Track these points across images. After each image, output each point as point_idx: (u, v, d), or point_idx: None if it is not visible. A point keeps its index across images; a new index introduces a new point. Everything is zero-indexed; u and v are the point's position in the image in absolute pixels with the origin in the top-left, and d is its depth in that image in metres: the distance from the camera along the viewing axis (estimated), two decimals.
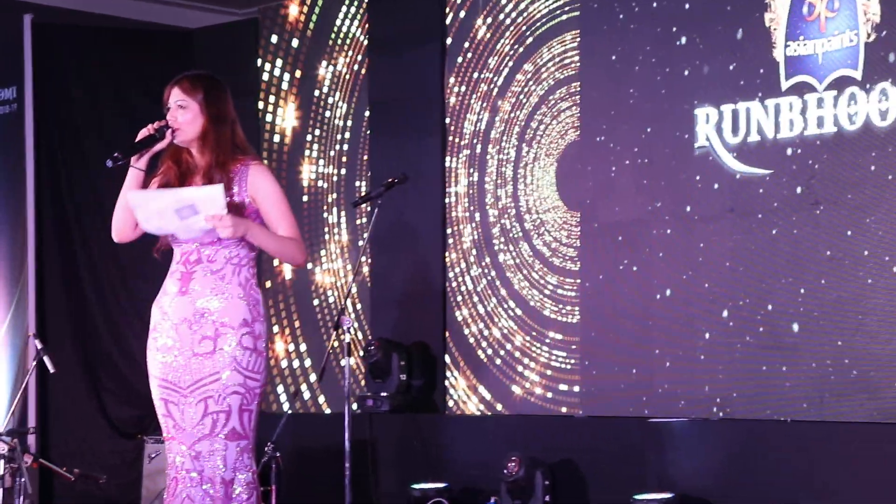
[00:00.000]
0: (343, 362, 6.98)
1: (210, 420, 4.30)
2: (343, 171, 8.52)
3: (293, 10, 8.79)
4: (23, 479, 6.91)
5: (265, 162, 4.59)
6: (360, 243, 8.27)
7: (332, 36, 8.58)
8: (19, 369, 8.64)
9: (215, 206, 4.23)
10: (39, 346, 7.33)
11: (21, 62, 8.74)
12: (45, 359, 7.23)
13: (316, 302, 8.58)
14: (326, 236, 8.56)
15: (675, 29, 6.97)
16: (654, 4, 7.04)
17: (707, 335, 6.80)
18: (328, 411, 8.32)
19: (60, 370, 7.60)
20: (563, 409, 7.33)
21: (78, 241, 9.01)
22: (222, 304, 4.33)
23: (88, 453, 8.78)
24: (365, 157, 8.40)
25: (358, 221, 8.41)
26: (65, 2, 8.95)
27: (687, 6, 6.92)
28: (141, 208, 4.30)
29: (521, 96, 7.67)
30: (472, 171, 7.89)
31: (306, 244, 4.57)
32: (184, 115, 4.40)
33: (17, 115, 8.79)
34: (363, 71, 8.42)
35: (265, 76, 8.91)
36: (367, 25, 8.39)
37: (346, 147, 8.52)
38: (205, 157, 4.41)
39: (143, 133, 4.40)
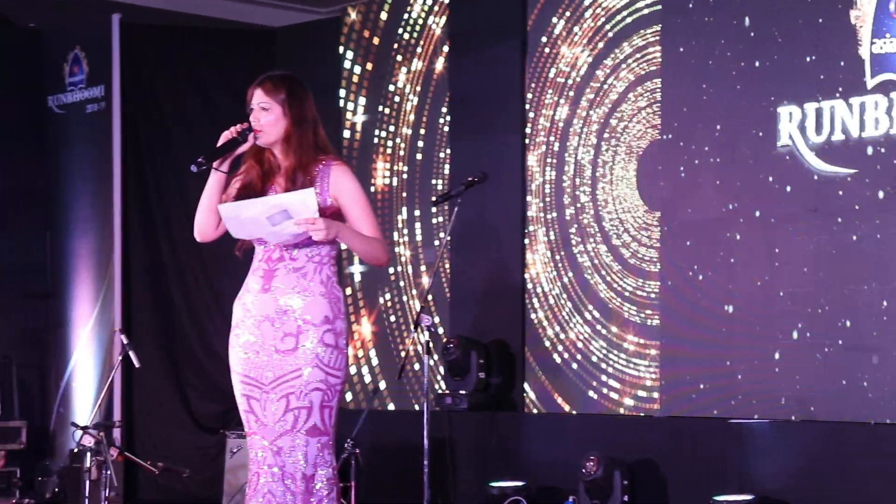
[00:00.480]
0: (423, 360, 7.00)
1: (292, 416, 4.34)
2: (419, 169, 8.55)
3: (374, 8, 8.83)
4: (109, 472, 7.02)
5: (346, 160, 4.61)
6: (436, 242, 8.30)
7: (412, 33, 8.61)
8: (105, 364, 8.78)
9: (308, 210, 4.27)
10: (125, 342, 7.43)
11: (109, 61, 8.88)
12: (131, 354, 7.33)
13: (389, 298, 8.62)
14: (402, 234, 8.60)
15: (757, 25, 6.91)
16: (738, 2, 6.98)
17: (788, 336, 6.73)
18: (407, 408, 8.35)
19: (145, 365, 7.70)
20: (642, 410, 7.30)
21: (163, 237, 9.13)
22: (304, 302, 4.37)
23: (171, 447, 8.89)
24: (441, 155, 8.42)
25: (434, 220, 8.44)
26: (151, 1, 9.07)
27: (770, 2, 6.86)
28: (233, 219, 4.34)
29: (601, 93, 7.65)
30: (551, 169, 7.89)
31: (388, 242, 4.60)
32: (266, 116, 4.43)
33: (105, 113, 8.94)
34: (441, 69, 8.44)
35: (346, 74, 8.96)
36: (447, 23, 8.41)
37: (422, 144, 8.55)
38: (288, 159, 4.44)
39: (225, 136, 4.43)
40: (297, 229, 4.29)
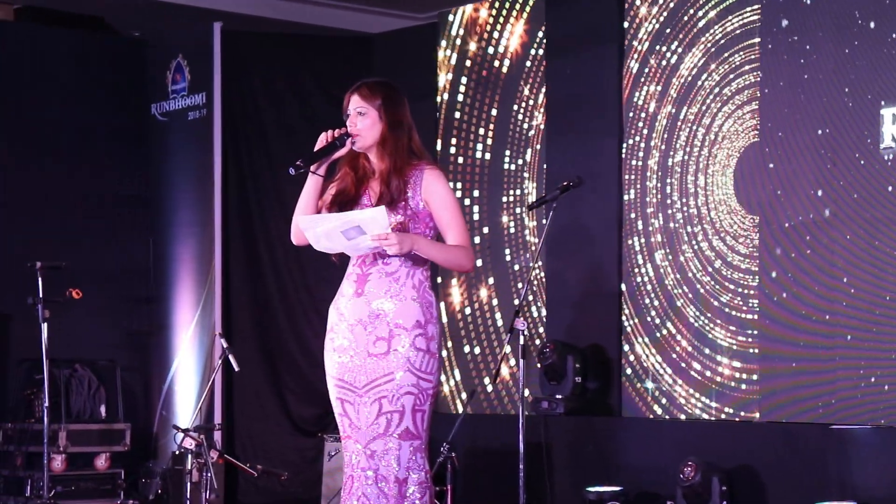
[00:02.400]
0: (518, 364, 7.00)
1: (384, 420, 4.37)
2: (516, 172, 8.54)
3: (471, 14, 8.85)
4: (209, 474, 7.10)
5: (440, 165, 4.62)
6: (533, 248, 8.29)
7: (508, 38, 8.62)
8: (206, 367, 8.89)
9: (379, 227, 4.30)
10: (225, 345, 7.52)
11: (210, 69, 9.01)
12: (231, 357, 7.42)
13: (486, 301, 8.63)
14: (503, 237, 8.61)
15: (860, 24, 6.81)
16: (837, 5, 6.89)
17: (891, 341, 6.62)
18: (503, 413, 8.36)
19: (244, 369, 7.79)
20: (741, 415, 7.23)
21: (262, 241, 9.23)
22: (396, 306, 4.40)
23: (270, 450, 8.98)
24: (537, 159, 8.41)
25: (531, 223, 8.43)
26: (251, 9, 9.18)
27: (874, 3, 6.76)
28: (310, 231, 4.40)
29: (699, 96, 7.59)
30: (647, 173, 7.84)
31: (476, 249, 4.59)
32: (363, 121, 4.47)
33: (206, 120, 9.06)
34: (538, 72, 8.43)
35: (442, 80, 8.99)
36: (544, 25, 8.41)
37: (519, 149, 8.54)
38: (382, 163, 4.47)
39: (322, 140, 4.48)
40: (373, 244, 4.32)
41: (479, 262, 8.61)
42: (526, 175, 8.50)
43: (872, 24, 6.77)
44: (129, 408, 9.06)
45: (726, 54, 7.45)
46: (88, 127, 9.32)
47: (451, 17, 8.95)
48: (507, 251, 8.52)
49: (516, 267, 8.50)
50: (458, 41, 8.92)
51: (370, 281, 4.44)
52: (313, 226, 4.37)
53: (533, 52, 8.49)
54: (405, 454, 4.38)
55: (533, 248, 8.35)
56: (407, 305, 4.40)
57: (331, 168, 4.59)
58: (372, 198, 4.46)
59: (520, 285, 8.40)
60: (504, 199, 8.60)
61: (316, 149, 4.50)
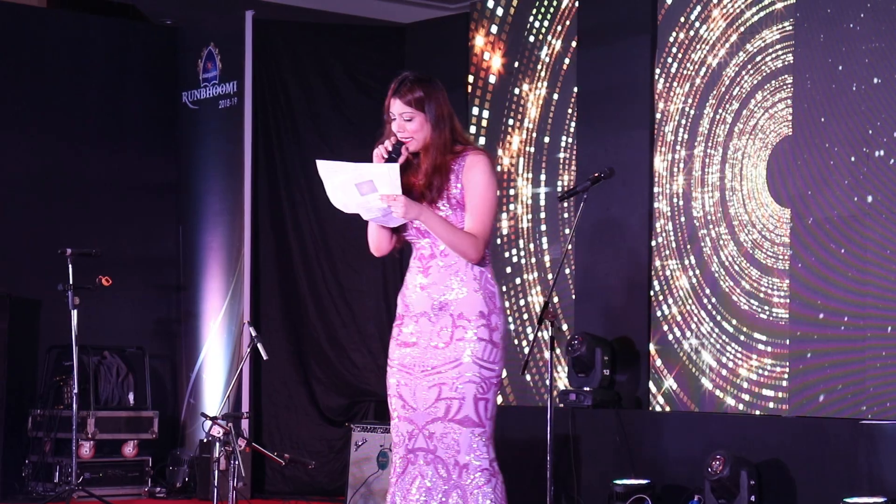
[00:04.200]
0: (546, 356, 6.99)
1: (444, 405, 4.37)
2: (546, 163, 8.52)
3: (503, 5, 8.82)
4: (237, 462, 7.10)
5: (486, 151, 4.54)
6: (562, 240, 8.27)
7: (539, 28, 8.59)
8: (234, 356, 8.91)
9: (391, 185, 4.28)
10: (254, 334, 7.52)
11: (242, 57, 9.01)
12: (259, 346, 7.42)
13: (514, 294, 8.61)
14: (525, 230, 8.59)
15: (894, 17, 6.75)
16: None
17: None
18: (531, 404, 8.34)
19: (272, 358, 7.80)
20: (770, 409, 7.19)
21: (292, 231, 9.23)
22: (458, 297, 4.40)
23: (298, 439, 9.00)
24: (567, 150, 8.38)
25: (564, 215, 8.41)
26: None
27: None
28: (328, 179, 4.36)
29: (732, 88, 7.55)
30: (680, 165, 7.80)
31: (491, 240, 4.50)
32: (411, 125, 4.43)
33: (237, 108, 9.08)
34: (567, 63, 8.40)
35: (474, 70, 8.97)
36: (576, 17, 8.38)
37: (548, 139, 8.52)
38: (426, 160, 4.45)
39: (377, 157, 4.42)
40: (382, 203, 4.29)
41: (509, 255, 8.59)
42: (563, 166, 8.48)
43: None
44: (157, 395, 9.09)
45: (759, 46, 7.40)
46: (120, 114, 9.35)
47: (490, 3, 8.92)
48: (545, 241, 8.49)
49: (547, 258, 8.48)
50: (495, 31, 8.90)
51: (431, 273, 4.44)
52: (332, 174, 4.34)
53: (570, 45, 8.46)
54: (465, 440, 4.37)
55: (562, 239, 8.32)
56: (469, 297, 4.40)
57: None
58: (417, 194, 4.45)
59: (549, 276, 8.38)
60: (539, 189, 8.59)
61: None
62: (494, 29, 8.86)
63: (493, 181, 4.43)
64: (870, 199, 6.81)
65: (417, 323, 4.44)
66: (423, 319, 4.43)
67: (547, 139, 8.55)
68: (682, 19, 7.80)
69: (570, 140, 8.41)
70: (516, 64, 8.73)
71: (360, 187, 4.30)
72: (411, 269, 4.50)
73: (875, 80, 6.83)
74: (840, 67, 6.99)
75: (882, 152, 6.79)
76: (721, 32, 7.60)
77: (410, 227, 4.47)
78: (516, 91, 8.73)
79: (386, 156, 4.38)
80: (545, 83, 8.56)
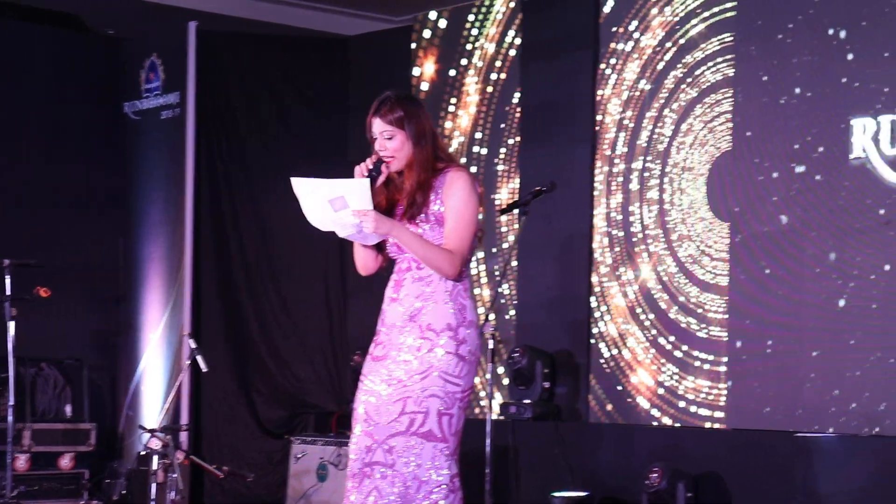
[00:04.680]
0: (486, 368, 7.00)
1: (407, 419, 4.34)
2: (489, 177, 8.55)
3: (446, 18, 8.85)
4: (175, 475, 7.06)
5: (466, 168, 4.51)
6: (503, 253, 8.29)
7: (483, 42, 8.62)
8: (174, 368, 8.85)
9: (363, 200, 4.29)
10: (193, 346, 7.48)
11: (185, 68, 8.97)
12: (199, 358, 7.38)
13: None
14: None
15: (832, 36, 6.84)
16: (812, 12, 6.92)
17: (857, 350, 6.64)
18: (471, 416, 8.34)
19: (213, 370, 7.75)
20: (708, 422, 7.23)
21: (233, 243, 9.19)
22: (428, 309, 4.40)
23: (237, 452, 8.94)
24: (511, 164, 8.41)
25: (503, 228, 8.43)
26: (227, 9, 9.16)
27: (846, 14, 6.78)
28: (303, 197, 4.37)
29: (672, 104, 7.61)
30: (621, 178, 7.85)
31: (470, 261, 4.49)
32: (392, 144, 4.44)
33: (180, 119, 9.03)
34: (506, 77, 8.44)
35: (416, 83, 8.98)
36: (519, 32, 8.41)
37: (485, 151, 8.54)
38: (409, 179, 4.46)
39: (358, 174, 4.42)
40: (355, 219, 4.30)
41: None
42: (504, 179, 8.50)
43: (840, 38, 6.80)
44: (95, 407, 9.01)
45: (699, 61, 7.46)
46: (62, 124, 9.28)
47: (432, 16, 8.95)
48: (482, 254, 8.51)
49: (483, 273, 8.50)
50: (437, 43, 8.93)
51: (404, 285, 4.44)
52: (306, 192, 4.34)
53: (509, 57, 8.50)
54: (427, 454, 4.34)
55: (504, 252, 8.34)
56: (439, 308, 4.39)
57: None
58: (400, 214, 4.44)
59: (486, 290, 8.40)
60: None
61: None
62: (436, 40, 8.89)
63: (473, 198, 4.42)
64: (809, 215, 6.86)
65: (388, 335, 4.43)
66: (393, 331, 4.43)
67: (484, 151, 8.57)
68: (624, 32, 7.85)
69: (507, 152, 8.43)
70: (452, 73, 8.75)
71: (332, 203, 4.30)
72: (389, 283, 4.50)
73: (810, 98, 6.91)
74: (765, 78, 7.05)
75: (819, 166, 6.86)
76: (662, 46, 7.66)
77: (390, 244, 4.46)
78: (452, 100, 8.75)
79: (366, 173, 4.39)
80: (480, 95, 8.59)
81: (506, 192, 8.44)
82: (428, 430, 4.34)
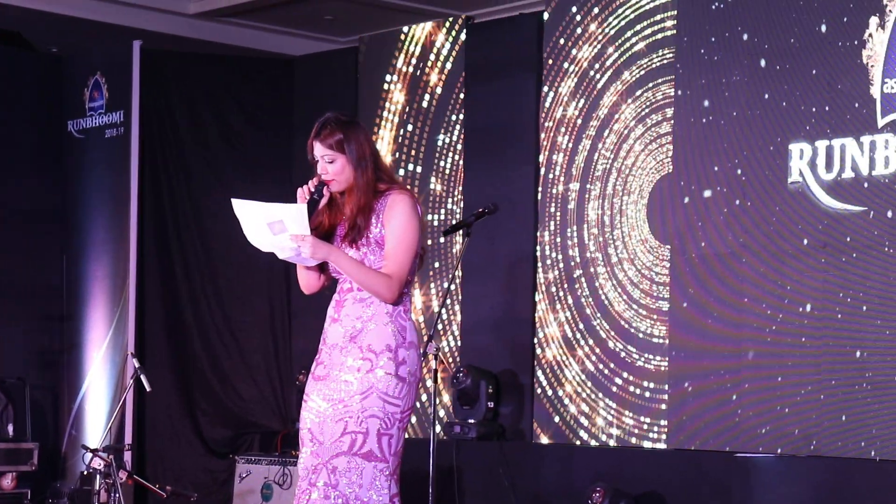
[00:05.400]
0: (429, 387, 7.04)
1: (349, 438, 4.37)
2: (436, 199, 8.60)
3: (392, 39, 8.91)
4: (117, 495, 7.04)
5: (409, 191, 4.51)
6: (442, 273, 8.35)
7: (429, 64, 8.68)
8: (118, 387, 8.82)
9: (300, 225, 4.32)
10: (137, 365, 7.47)
11: (129, 87, 8.96)
12: (142, 377, 7.37)
13: None
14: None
15: (769, 63, 6.97)
16: (746, 37, 7.04)
17: (795, 371, 6.75)
18: (414, 436, 8.38)
19: (157, 389, 7.74)
20: (649, 442, 7.32)
21: (178, 262, 9.18)
22: (368, 330, 4.42)
23: (181, 471, 8.92)
24: (459, 186, 8.48)
25: (450, 250, 8.49)
26: (172, 28, 9.16)
27: (782, 40, 6.91)
28: (243, 218, 4.39)
29: (613, 127, 7.70)
30: (564, 200, 7.93)
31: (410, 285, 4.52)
32: (333, 167, 4.46)
33: (124, 138, 9.01)
34: (458, 99, 8.50)
35: (362, 104, 9.02)
36: (464, 54, 8.48)
37: (439, 174, 8.60)
38: (349, 203, 4.49)
39: (300, 196, 4.44)
40: (292, 244, 4.34)
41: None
42: (450, 199, 8.56)
43: (777, 65, 6.92)
44: (37, 427, 8.95)
45: (642, 86, 7.57)
46: (3, 142, 9.22)
47: (376, 37, 9.01)
48: (430, 273, 8.56)
49: (428, 293, 8.55)
50: (389, 63, 8.98)
51: (345, 306, 4.46)
52: (245, 214, 4.37)
53: (454, 78, 8.56)
54: (368, 475, 4.37)
55: (448, 272, 8.40)
56: (379, 330, 4.42)
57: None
58: (342, 236, 4.47)
59: (436, 308, 8.44)
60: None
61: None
62: (378, 61, 8.94)
63: (413, 221, 4.43)
64: (747, 238, 6.98)
65: (330, 355, 4.46)
66: (334, 351, 4.45)
67: (419, 169, 8.62)
68: (567, 55, 7.94)
69: (451, 173, 8.49)
70: (394, 93, 8.81)
71: (271, 227, 4.33)
72: (331, 303, 4.53)
73: (749, 123, 7.03)
74: (718, 108, 7.17)
75: (758, 190, 6.98)
76: (605, 70, 7.75)
77: (331, 264, 4.50)
78: (391, 119, 8.80)
79: (307, 196, 4.42)
80: (431, 119, 8.65)
81: (443, 213, 8.49)
82: (368, 450, 4.37)
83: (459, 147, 8.49)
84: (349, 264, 4.41)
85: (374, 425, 4.37)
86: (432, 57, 8.67)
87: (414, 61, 8.76)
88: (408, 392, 4.42)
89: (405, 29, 8.80)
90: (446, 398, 8.19)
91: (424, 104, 8.70)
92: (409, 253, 4.42)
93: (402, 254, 4.41)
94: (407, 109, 8.79)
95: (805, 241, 6.75)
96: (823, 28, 6.76)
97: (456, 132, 8.52)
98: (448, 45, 8.59)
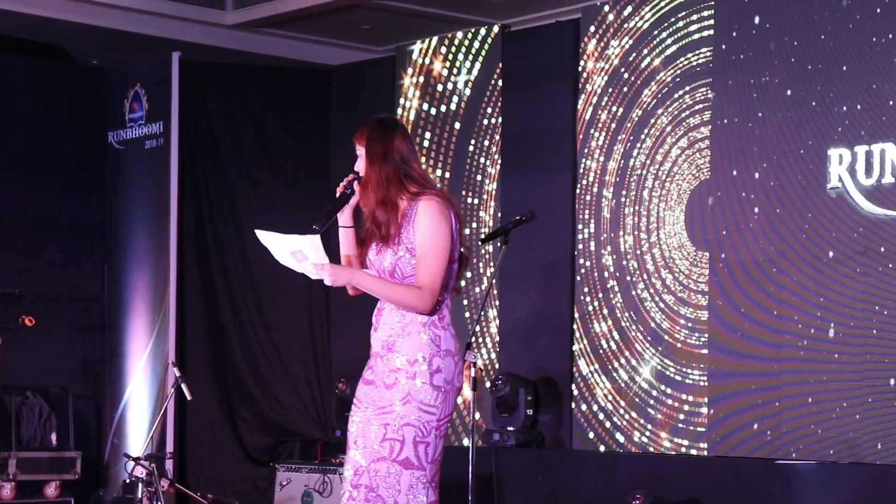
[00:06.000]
0: (468, 395, 7.05)
1: (388, 445, 4.40)
2: (474, 206, 8.61)
3: (428, 47, 8.93)
4: (160, 503, 7.08)
5: (442, 195, 4.45)
6: (486, 279, 8.35)
7: (467, 72, 8.70)
8: (159, 396, 8.88)
9: (317, 255, 4.34)
10: (178, 374, 7.51)
11: (168, 98, 9.03)
12: (183, 386, 7.41)
13: None
14: None
15: (809, 68, 6.94)
16: (787, 40, 7.02)
17: (837, 378, 6.72)
18: (454, 444, 8.39)
19: (198, 398, 7.78)
20: (690, 449, 7.30)
21: (218, 271, 9.23)
22: (403, 339, 4.43)
23: (222, 479, 8.96)
24: (494, 192, 8.48)
25: (486, 256, 8.50)
26: (211, 40, 9.21)
27: (822, 46, 6.89)
28: (270, 247, 4.44)
29: (652, 134, 7.69)
30: (601, 207, 7.93)
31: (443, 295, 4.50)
32: (360, 162, 4.51)
33: (163, 149, 9.08)
34: (496, 106, 8.51)
35: (401, 113, 9.05)
36: (500, 62, 8.50)
37: (476, 181, 8.62)
38: (364, 197, 4.50)
39: (338, 190, 4.48)
40: (314, 271, 4.36)
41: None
42: (482, 208, 8.57)
43: (817, 69, 6.90)
44: (80, 436, 9.02)
45: (680, 93, 7.56)
46: (45, 154, 9.31)
47: (413, 48, 9.03)
48: (462, 282, 8.57)
49: (465, 301, 8.56)
50: (421, 74, 9.00)
51: (384, 315, 4.48)
52: (269, 243, 4.41)
53: (491, 86, 8.58)
54: (406, 482, 4.39)
55: (485, 280, 8.41)
56: (413, 338, 4.42)
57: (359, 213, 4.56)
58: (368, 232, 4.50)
59: (467, 314, 8.45)
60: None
61: (330, 205, 4.48)
62: (416, 70, 8.97)
63: (443, 227, 4.38)
64: (786, 244, 6.95)
65: (375, 363, 4.49)
66: (377, 360, 4.47)
67: (470, 179, 8.64)
68: (606, 64, 7.93)
69: (484, 180, 8.50)
70: (443, 107, 8.83)
71: (294, 256, 4.36)
72: (374, 311, 4.55)
73: (787, 129, 7.00)
74: (758, 114, 7.15)
75: (796, 196, 6.95)
76: (644, 78, 7.75)
77: (372, 269, 4.49)
78: (426, 135, 8.82)
79: (342, 190, 4.44)
80: (461, 124, 8.66)
81: (489, 220, 8.51)
82: (405, 458, 4.38)
83: (495, 155, 8.49)
84: (373, 284, 4.40)
85: (410, 433, 4.38)
86: (468, 64, 8.68)
87: (449, 69, 8.78)
88: (444, 400, 4.41)
89: (442, 37, 8.82)
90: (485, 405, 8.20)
91: (457, 109, 8.70)
92: (440, 260, 4.38)
93: (432, 263, 4.37)
94: (440, 117, 8.80)
95: (844, 247, 6.72)
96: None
97: (487, 139, 8.53)
98: (484, 54, 8.60)
